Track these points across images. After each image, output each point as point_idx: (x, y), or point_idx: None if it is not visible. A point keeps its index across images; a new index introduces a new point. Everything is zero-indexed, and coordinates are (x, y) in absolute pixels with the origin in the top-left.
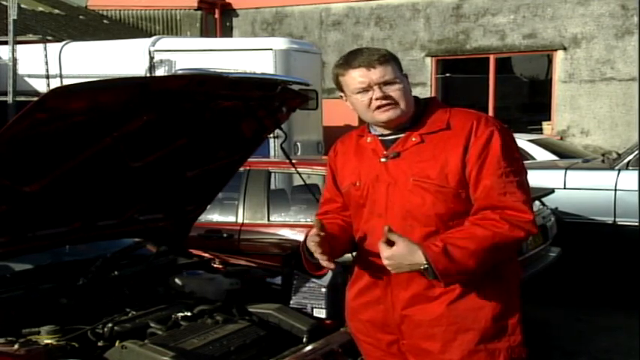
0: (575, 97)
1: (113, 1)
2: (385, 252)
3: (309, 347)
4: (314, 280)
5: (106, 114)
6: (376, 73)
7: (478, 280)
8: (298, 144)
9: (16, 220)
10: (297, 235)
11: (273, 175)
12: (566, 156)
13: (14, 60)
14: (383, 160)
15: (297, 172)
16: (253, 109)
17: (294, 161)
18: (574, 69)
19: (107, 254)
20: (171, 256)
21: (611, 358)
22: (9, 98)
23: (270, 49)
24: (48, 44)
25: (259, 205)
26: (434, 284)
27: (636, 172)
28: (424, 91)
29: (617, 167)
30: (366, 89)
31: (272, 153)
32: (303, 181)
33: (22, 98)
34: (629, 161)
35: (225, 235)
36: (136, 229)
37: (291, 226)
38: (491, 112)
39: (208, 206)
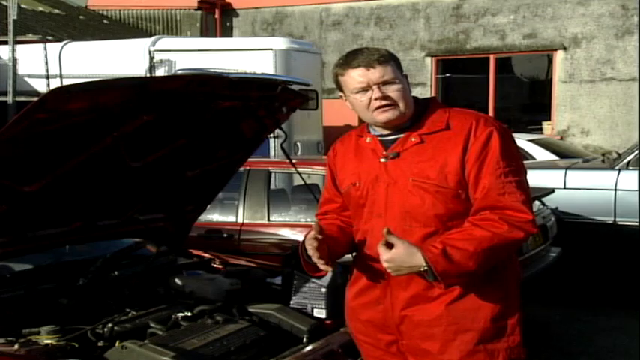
0: (575, 97)
1: (113, 1)
2: (385, 255)
3: (309, 347)
4: (314, 280)
5: (106, 114)
6: (375, 73)
7: (477, 280)
8: (298, 144)
9: (16, 220)
10: (297, 235)
11: (273, 175)
12: (566, 156)
13: (14, 60)
14: (382, 160)
15: (297, 172)
16: (253, 109)
17: (294, 161)
18: (574, 69)
19: (107, 254)
20: (172, 256)
21: (611, 358)
22: (9, 98)
23: (270, 49)
24: (48, 44)
25: (259, 205)
26: (433, 284)
27: (636, 172)
28: (424, 91)
29: (617, 167)
30: (366, 89)
31: (272, 153)
32: (303, 181)
33: (22, 98)
34: (629, 161)
35: (225, 235)
36: (136, 229)
37: (291, 226)
38: (491, 112)
39: (208, 206)
